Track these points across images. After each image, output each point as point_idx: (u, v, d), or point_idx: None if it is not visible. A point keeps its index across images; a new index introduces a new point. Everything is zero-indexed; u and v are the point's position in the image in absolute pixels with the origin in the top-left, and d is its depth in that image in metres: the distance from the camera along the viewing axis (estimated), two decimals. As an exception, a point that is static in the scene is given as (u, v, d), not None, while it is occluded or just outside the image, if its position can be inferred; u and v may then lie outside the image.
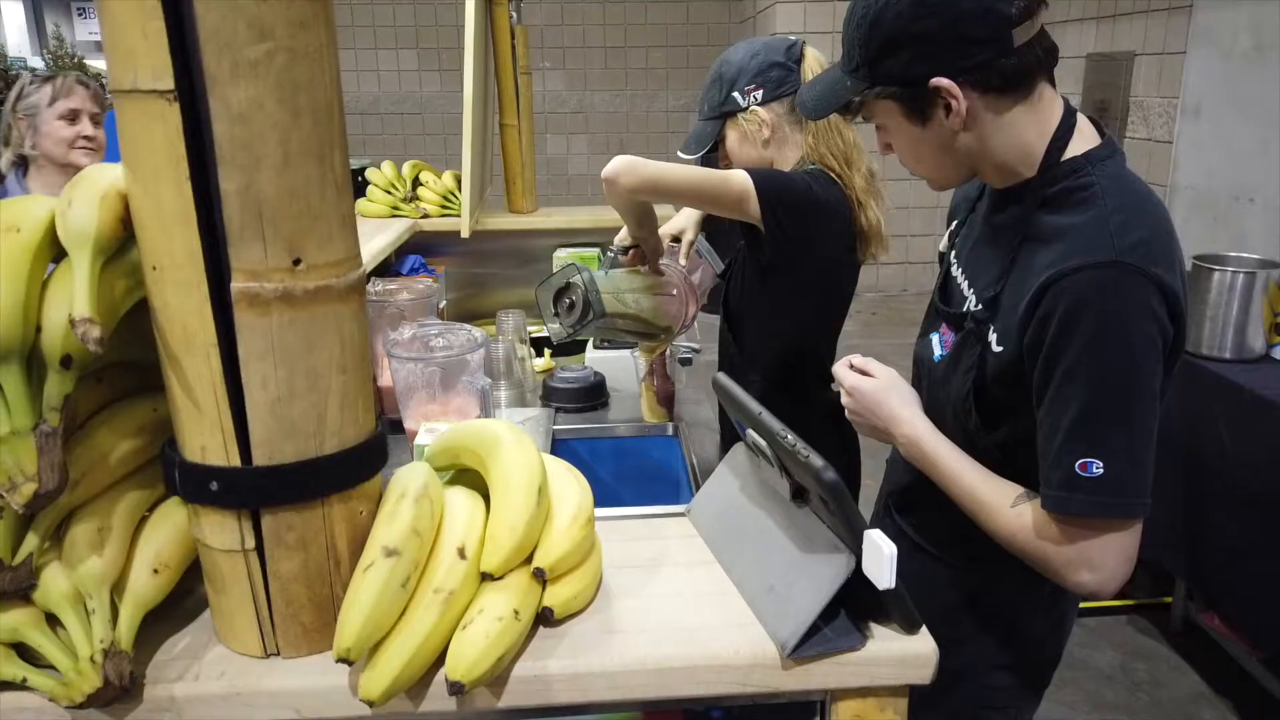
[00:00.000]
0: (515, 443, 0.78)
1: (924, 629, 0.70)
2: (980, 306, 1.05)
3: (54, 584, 0.67)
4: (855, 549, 0.66)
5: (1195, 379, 2.56)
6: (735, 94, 1.60)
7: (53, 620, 0.68)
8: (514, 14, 2.64)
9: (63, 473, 0.63)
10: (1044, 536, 0.97)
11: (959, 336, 1.08)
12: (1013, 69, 0.95)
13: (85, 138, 2.06)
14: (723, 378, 0.85)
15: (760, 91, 1.58)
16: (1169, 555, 2.64)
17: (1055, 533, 0.97)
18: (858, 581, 0.68)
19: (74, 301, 0.62)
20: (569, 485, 0.79)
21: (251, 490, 0.67)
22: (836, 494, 0.64)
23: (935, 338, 1.14)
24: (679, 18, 7.53)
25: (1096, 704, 2.49)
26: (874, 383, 1.10)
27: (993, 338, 1.03)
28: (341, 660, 0.65)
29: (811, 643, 0.68)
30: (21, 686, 0.67)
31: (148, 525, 0.72)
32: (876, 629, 0.71)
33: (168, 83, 0.60)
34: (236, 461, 0.66)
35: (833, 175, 1.59)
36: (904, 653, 0.69)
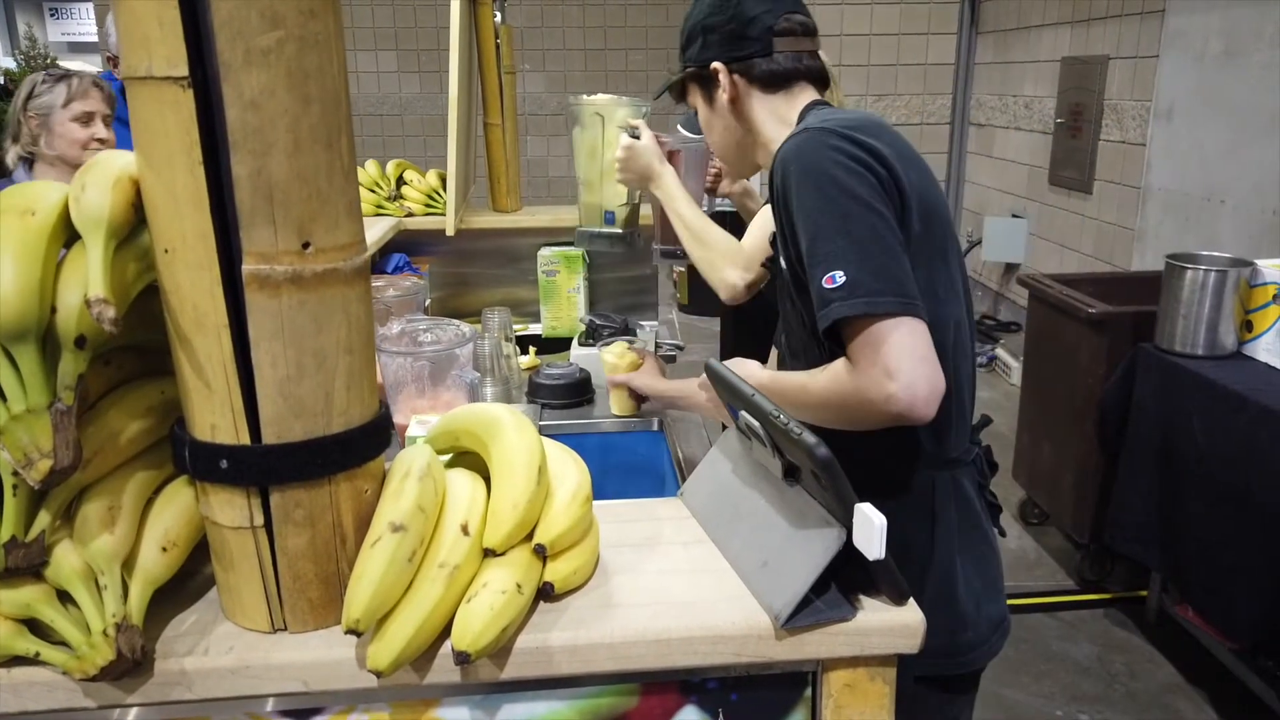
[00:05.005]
0: (515, 425, 0.80)
1: (912, 600, 0.73)
2: (770, 247, 1.28)
3: (65, 561, 0.68)
4: (846, 523, 0.69)
5: (1169, 375, 2.62)
6: None
7: (63, 597, 0.69)
8: (498, 14, 2.66)
9: (77, 450, 0.64)
10: (842, 374, 1.04)
11: (779, 295, 1.26)
12: (773, 69, 1.25)
13: (98, 140, 2.06)
14: (714, 362, 0.88)
15: None
16: (1144, 549, 2.70)
17: (845, 365, 1.04)
18: (848, 555, 0.70)
19: (89, 283, 0.63)
20: (567, 465, 0.81)
21: (261, 468, 0.68)
22: (829, 469, 0.67)
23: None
24: (659, 20, 7.57)
25: (1074, 695, 2.54)
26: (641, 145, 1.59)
27: (781, 260, 1.19)
28: (350, 631, 0.66)
29: (804, 614, 0.70)
30: (33, 661, 0.68)
31: (156, 504, 0.74)
32: (866, 600, 0.73)
33: (182, 70, 0.62)
34: (246, 440, 0.68)
35: None
36: (892, 623, 0.71)
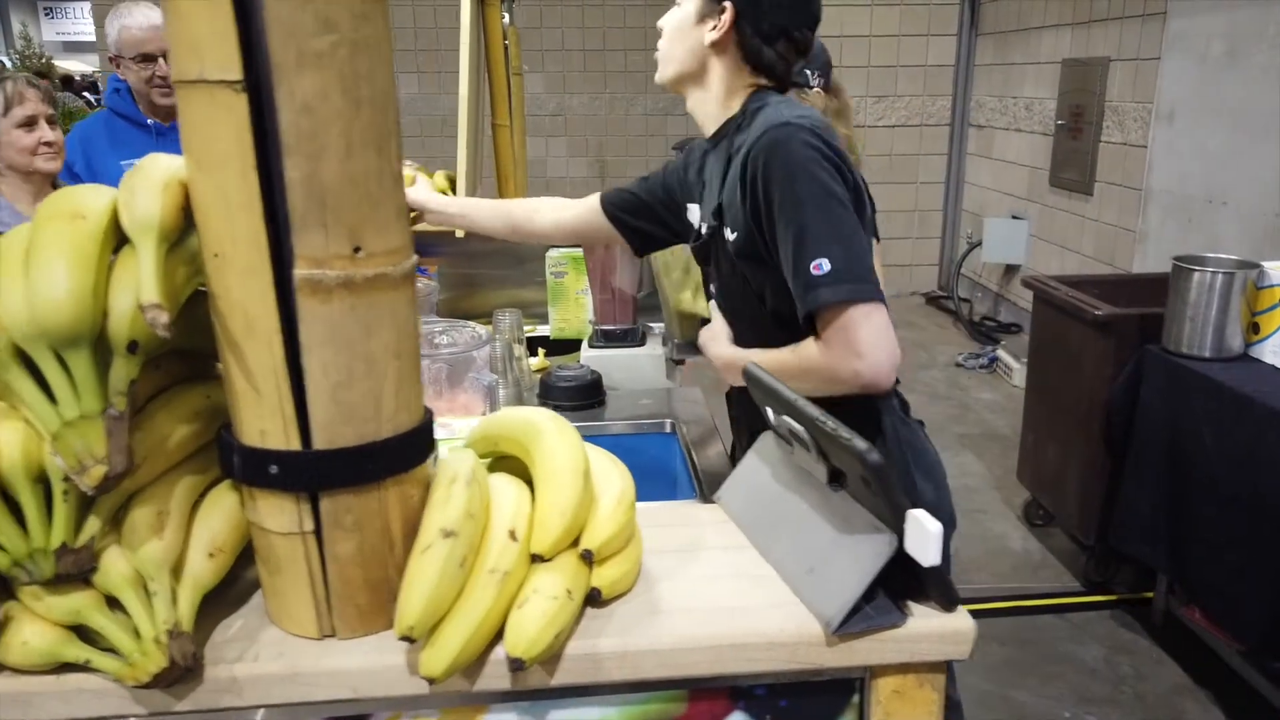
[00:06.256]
0: (558, 430, 0.80)
1: (961, 606, 0.73)
2: (713, 220, 1.40)
3: (114, 567, 0.68)
4: (897, 529, 0.69)
5: (1175, 377, 2.62)
6: (807, 71, 1.94)
7: (110, 604, 0.69)
8: (506, 15, 2.66)
9: (130, 456, 0.64)
10: (814, 351, 1.22)
11: (713, 260, 1.44)
12: (763, 53, 1.35)
13: (45, 144, 2.03)
14: (753, 367, 0.88)
15: (823, 79, 1.87)
16: (1151, 550, 2.70)
17: (819, 344, 1.21)
18: (896, 561, 0.70)
19: (141, 288, 0.63)
20: (610, 471, 0.81)
21: (311, 473, 0.68)
22: (881, 475, 0.67)
23: (709, 279, 1.51)
24: (655, 18, 7.57)
25: (1082, 698, 2.54)
26: (703, 336, 1.49)
27: (728, 233, 1.35)
28: (404, 638, 0.66)
29: (854, 620, 0.70)
30: (83, 668, 0.68)
31: (201, 510, 0.74)
32: (914, 607, 0.73)
33: (235, 73, 0.62)
34: (297, 445, 0.68)
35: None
36: (944, 629, 0.71)
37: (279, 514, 0.69)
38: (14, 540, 0.65)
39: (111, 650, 0.68)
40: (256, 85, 0.63)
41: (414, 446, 0.72)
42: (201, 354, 0.78)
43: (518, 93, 2.75)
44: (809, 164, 1.23)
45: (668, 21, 1.43)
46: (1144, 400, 2.76)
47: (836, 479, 0.77)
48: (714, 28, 1.35)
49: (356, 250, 0.66)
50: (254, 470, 0.69)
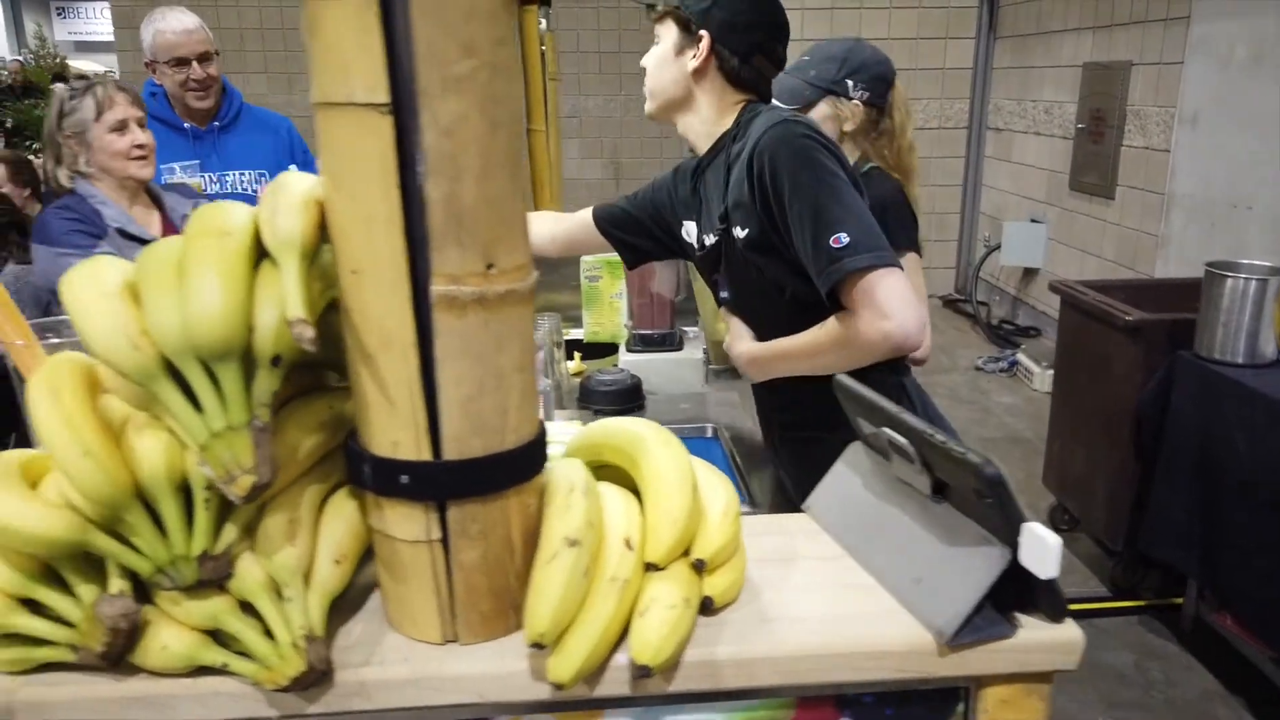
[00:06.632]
0: (664, 441, 0.82)
1: (1069, 618, 0.74)
2: (719, 225, 1.50)
3: (249, 573, 0.70)
4: (1008, 540, 0.71)
5: (1208, 383, 2.64)
6: (849, 81, 1.96)
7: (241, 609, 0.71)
8: (543, 20, 2.68)
9: (274, 466, 0.66)
10: (842, 324, 1.34)
11: (723, 264, 1.54)
12: (742, 73, 1.47)
13: (137, 146, 2.04)
14: (845, 379, 0.90)
15: (868, 94, 1.87)
16: (1182, 555, 2.71)
17: (847, 314, 1.32)
18: (1005, 572, 0.72)
19: (287, 304, 0.65)
20: (714, 481, 0.82)
21: (442, 483, 0.70)
22: (998, 488, 0.69)
23: (718, 286, 1.59)
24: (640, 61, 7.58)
25: (1112, 703, 2.56)
26: (726, 340, 1.57)
27: (737, 231, 1.45)
28: (534, 645, 0.68)
29: (965, 631, 0.72)
30: (217, 671, 0.70)
31: (323, 518, 0.75)
32: (1021, 617, 0.75)
33: (383, 96, 0.64)
34: (428, 456, 0.70)
35: (890, 175, 1.90)
36: (1054, 640, 0.73)
37: (407, 522, 0.71)
38: (156, 547, 0.67)
39: (242, 654, 0.70)
40: (399, 108, 0.64)
41: (534, 457, 0.74)
42: (321, 365, 0.80)
43: (553, 98, 2.77)
44: (811, 151, 1.35)
45: (649, 60, 1.53)
46: (1175, 406, 2.77)
47: (940, 490, 0.79)
48: (694, 56, 1.46)
49: (489, 267, 0.68)
50: (385, 480, 0.70)
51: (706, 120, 1.52)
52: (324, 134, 0.67)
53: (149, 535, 0.67)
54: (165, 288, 0.65)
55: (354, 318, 0.69)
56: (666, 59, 1.50)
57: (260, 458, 0.65)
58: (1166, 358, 2.84)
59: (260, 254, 0.69)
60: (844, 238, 1.30)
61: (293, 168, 1.97)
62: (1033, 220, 5.86)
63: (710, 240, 1.56)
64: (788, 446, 1.68)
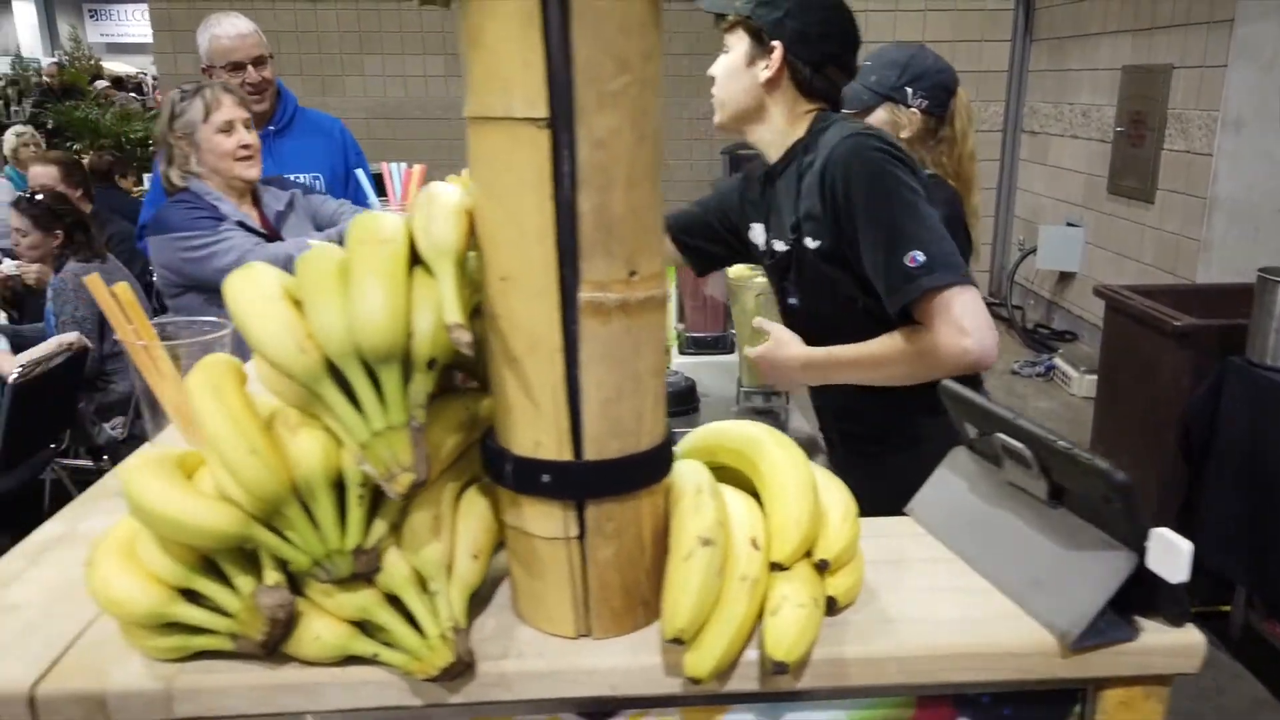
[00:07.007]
0: (781, 443, 0.84)
1: (1190, 623, 0.76)
2: (791, 234, 1.51)
3: (396, 567, 0.72)
4: (1136, 546, 0.72)
5: (1260, 389, 2.63)
6: (909, 88, 1.98)
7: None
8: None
9: (428, 465, 0.68)
10: (915, 337, 1.34)
11: (793, 272, 1.55)
12: (814, 83, 1.47)
13: (243, 147, 2.09)
14: (953, 384, 0.91)
15: (927, 102, 1.87)
16: (1232, 563, 2.70)
17: (920, 330, 1.33)
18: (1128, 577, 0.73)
19: (445, 310, 0.67)
20: (830, 485, 0.84)
21: (582, 482, 0.72)
22: (1127, 494, 0.70)
23: (786, 293, 1.61)
24: (709, 23, 7.59)
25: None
26: (768, 347, 1.57)
27: (809, 242, 1.46)
28: (674, 640, 0.70)
29: (1089, 633, 0.73)
30: (365, 661, 0.73)
31: (458, 514, 0.78)
32: (1141, 620, 0.76)
33: (542, 111, 0.66)
34: (569, 456, 0.72)
35: (948, 183, 1.90)
36: (1176, 644, 0.74)
37: (546, 520, 0.74)
38: (312, 541, 0.70)
39: (387, 644, 0.73)
40: (555, 122, 0.67)
41: (664, 458, 0.77)
42: (451, 367, 0.83)
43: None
44: (885, 164, 1.35)
45: (719, 69, 1.51)
46: (1225, 412, 2.76)
47: (1056, 495, 0.80)
48: (765, 67, 1.45)
49: (632, 274, 0.70)
50: (526, 479, 0.73)
51: (777, 130, 1.52)
52: (477, 146, 0.70)
53: (305, 530, 0.70)
54: (330, 294, 0.67)
55: (501, 323, 0.72)
56: (737, 69, 1.49)
57: (418, 456, 0.68)
58: (1215, 364, 2.83)
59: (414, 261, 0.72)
60: (919, 255, 1.30)
61: (359, 172, 2.01)
62: (1069, 224, 5.84)
63: (781, 248, 1.57)
64: (849, 454, 1.69)
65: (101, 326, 3.45)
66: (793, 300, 1.60)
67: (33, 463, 3.32)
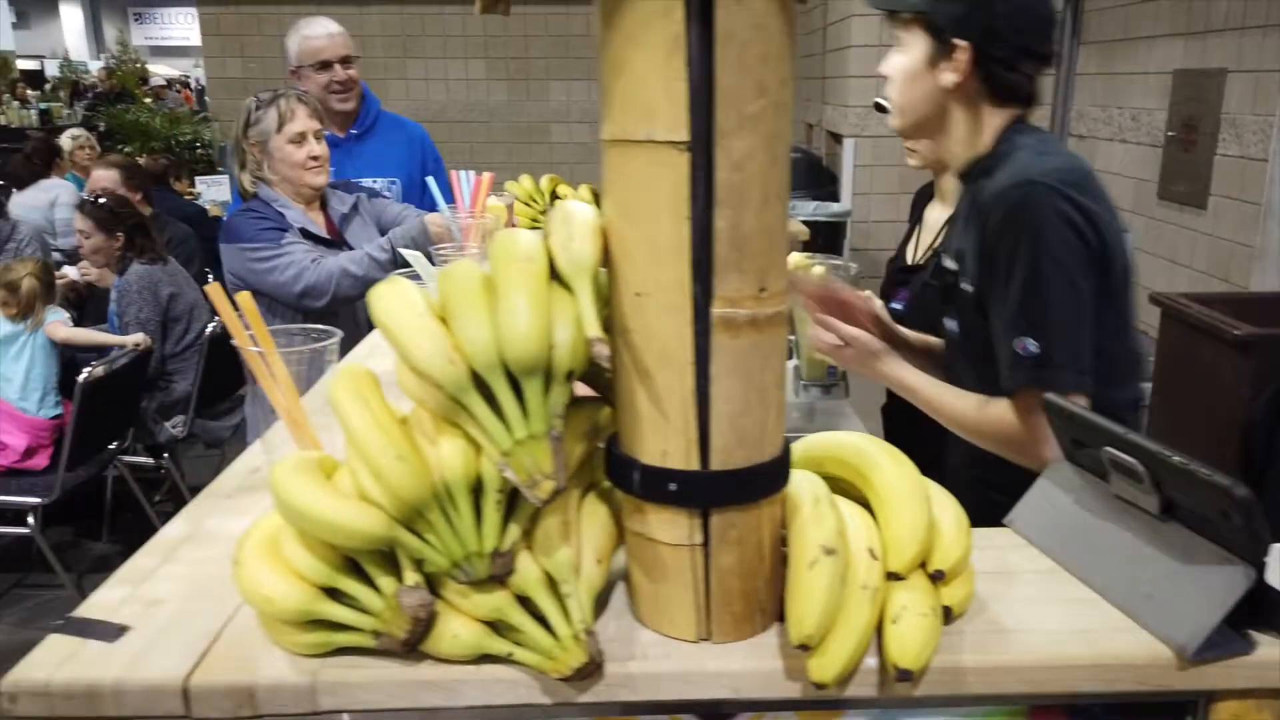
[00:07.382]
0: (891, 454, 0.86)
1: (1305, 636, 0.77)
2: (953, 261, 1.37)
3: (528, 570, 0.75)
4: (1251, 559, 0.74)
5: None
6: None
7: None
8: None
9: (566, 472, 0.71)
10: (1006, 422, 1.26)
11: (919, 286, 1.51)
12: (1008, 83, 1.29)
13: (313, 158, 2.15)
14: (1056, 398, 0.93)
15: None
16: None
17: (1013, 417, 1.25)
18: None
19: (586, 324, 0.70)
20: (940, 496, 0.86)
21: (708, 491, 0.75)
22: (1249, 508, 0.72)
23: (947, 319, 1.45)
24: (879, 67, 7.59)
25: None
26: (865, 336, 1.41)
27: (964, 284, 1.33)
28: (800, 646, 0.73)
29: (1206, 647, 0.75)
30: (498, 660, 0.75)
31: (582, 520, 0.81)
32: (1254, 634, 0.77)
33: (683, 135, 0.69)
34: (696, 466, 0.74)
35: None
36: (1291, 657, 0.76)
37: (672, 527, 0.76)
38: (451, 544, 0.73)
39: (518, 644, 0.75)
40: (694, 144, 0.69)
41: (784, 469, 0.79)
42: (582, 379, 0.85)
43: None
44: (1046, 230, 1.19)
45: (894, 68, 1.37)
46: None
47: (1168, 509, 0.82)
48: (951, 70, 1.29)
49: (762, 290, 0.73)
50: (653, 487, 0.76)
51: (960, 140, 1.35)
52: (615, 168, 0.73)
53: (445, 532, 0.73)
54: (477, 308, 0.70)
55: (633, 337, 0.74)
56: (916, 72, 1.32)
57: (557, 464, 0.70)
58: (1276, 374, 2.79)
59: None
60: (1031, 345, 1.19)
61: (430, 180, 2.05)
62: (1118, 229, 5.77)
63: (916, 257, 1.53)
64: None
65: (163, 327, 3.54)
66: (895, 305, 1.54)
67: (99, 459, 3.41)
